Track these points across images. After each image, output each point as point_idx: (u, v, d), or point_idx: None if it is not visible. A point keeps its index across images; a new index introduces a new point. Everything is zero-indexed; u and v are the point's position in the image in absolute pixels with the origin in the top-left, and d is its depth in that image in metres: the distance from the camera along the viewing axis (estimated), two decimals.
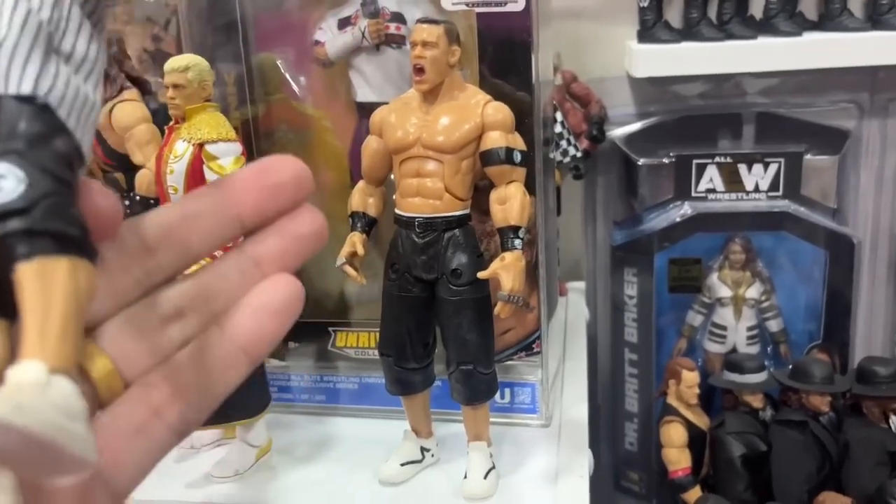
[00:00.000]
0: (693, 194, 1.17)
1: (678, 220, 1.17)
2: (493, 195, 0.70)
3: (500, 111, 0.70)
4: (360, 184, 0.76)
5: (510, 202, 0.69)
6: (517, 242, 0.68)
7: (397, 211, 0.72)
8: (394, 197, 0.74)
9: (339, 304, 0.91)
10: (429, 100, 0.71)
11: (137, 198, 0.80)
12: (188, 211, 0.30)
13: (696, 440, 1.08)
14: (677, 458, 1.07)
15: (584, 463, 0.78)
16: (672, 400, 1.10)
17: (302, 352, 0.92)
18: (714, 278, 1.20)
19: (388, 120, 0.73)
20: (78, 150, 0.24)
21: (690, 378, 1.08)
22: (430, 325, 0.74)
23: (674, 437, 1.07)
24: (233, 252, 0.31)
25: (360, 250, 0.73)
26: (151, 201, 0.79)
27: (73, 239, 0.22)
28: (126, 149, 0.84)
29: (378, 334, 0.77)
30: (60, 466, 0.21)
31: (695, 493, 1.05)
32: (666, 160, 1.17)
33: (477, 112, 0.69)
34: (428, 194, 0.70)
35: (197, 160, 0.73)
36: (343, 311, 0.91)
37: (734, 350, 1.19)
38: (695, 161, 1.16)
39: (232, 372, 0.29)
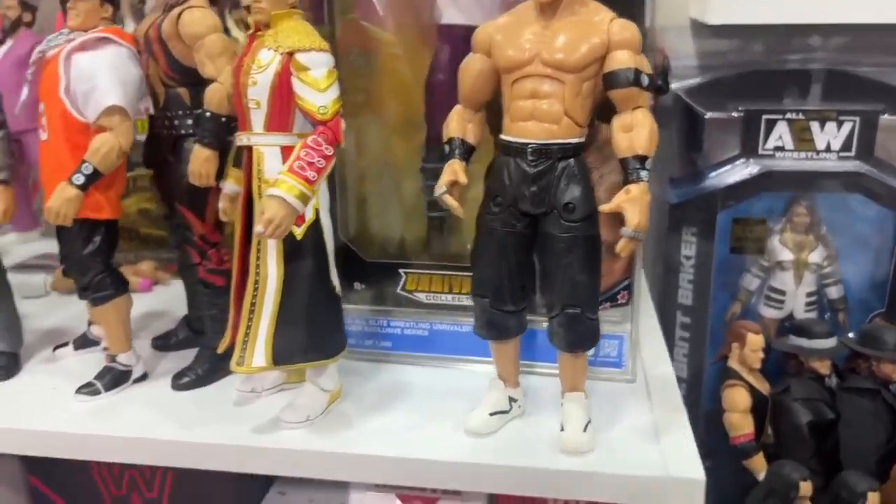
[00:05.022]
0: (760, 152, 1.12)
1: (745, 177, 1.12)
2: (617, 122, 0.64)
3: (627, 29, 0.63)
4: (458, 108, 0.70)
5: (637, 129, 0.62)
6: (643, 174, 0.62)
7: (505, 137, 0.66)
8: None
9: (412, 246, 0.85)
10: (547, 14, 0.64)
11: (208, 114, 0.72)
12: None
13: (757, 405, 1.04)
14: (740, 424, 1.02)
15: (684, 422, 0.73)
16: (734, 363, 1.05)
17: (367, 294, 0.85)
18: (775, 241, 1.15)
19: (496, 37, 0.66)
20: None
21: (756, 341, 1.03)
22: (530, 266, 0.68)
23: (738, 401, 1.02)
24: None
25: (463, 178, 0.66)
26: (223, 119, 0.72)
27: None
28: (193, 60, 0.75)
29: (471, 277, 0.71)
30: None
31: (758, 459, 1.01)
32: (735, 114, 1.11)
33: (602, 29, 0.63)
34: (544, 118, 0.64)
35: (285, 71, 0.66)
36: (413, 254, 0.85)
37: (791, 316, 1.15)
38: (764, 116, 1.11)
39: None
